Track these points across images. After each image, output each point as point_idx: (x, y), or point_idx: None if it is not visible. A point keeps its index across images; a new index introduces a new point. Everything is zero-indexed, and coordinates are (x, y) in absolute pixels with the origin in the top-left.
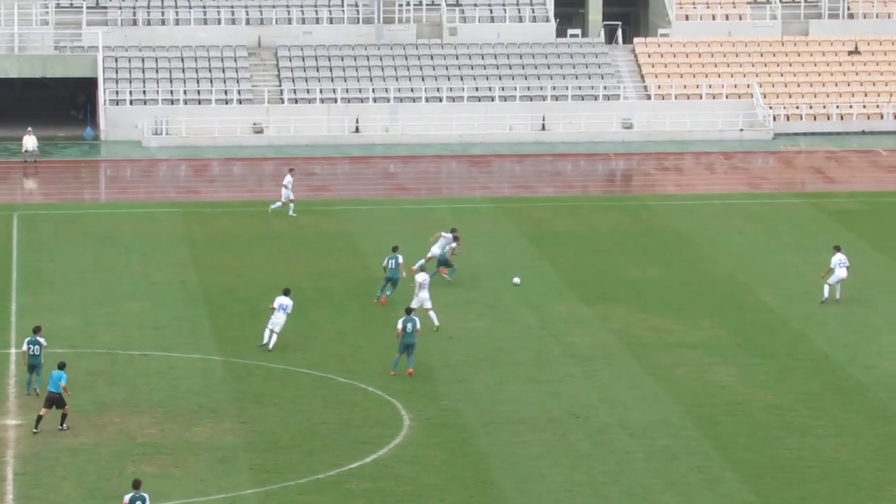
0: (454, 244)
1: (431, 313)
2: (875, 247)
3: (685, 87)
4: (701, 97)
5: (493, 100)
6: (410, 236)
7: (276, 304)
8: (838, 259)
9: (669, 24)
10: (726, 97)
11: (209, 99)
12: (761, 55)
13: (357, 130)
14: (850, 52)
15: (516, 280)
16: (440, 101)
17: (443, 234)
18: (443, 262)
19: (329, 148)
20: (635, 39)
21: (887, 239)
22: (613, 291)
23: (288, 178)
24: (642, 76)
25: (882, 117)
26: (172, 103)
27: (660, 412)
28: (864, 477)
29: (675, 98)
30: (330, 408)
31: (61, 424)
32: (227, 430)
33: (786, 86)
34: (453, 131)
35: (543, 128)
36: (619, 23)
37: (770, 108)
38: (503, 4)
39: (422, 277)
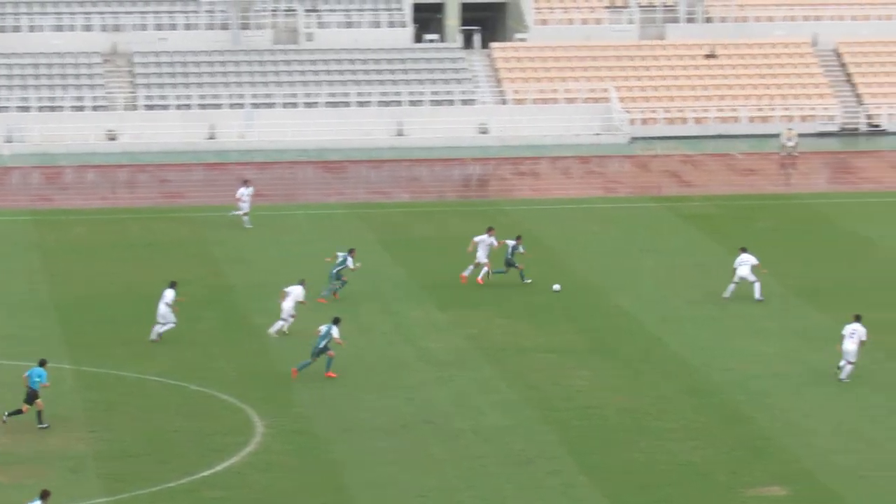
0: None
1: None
2: (730, 250)
3: (542, 91)
4: (557, 101)
5: (349, 105)
6: (266, 243)
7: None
8: (740, 259)
9: (527, 28)
10: (583, 101)
11: (63, 106)
12: (618, 59)
13: (212, 137)
14: (706, 56)
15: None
16: (296, 106)
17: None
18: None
19: (184, 154)
20: (492, 44)
21: (742, 242)
22: (469, 297)
23: (243, 190)
24: (499, 81)
25: (738, 121)
26: (26, 110)
27: (514, 417)
28: (717, 479)
29: (532, 102)
30: (182, 416)
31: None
32: (79, 439)
33: (642, 90)
34: (309, 137)
35: (400, 133)
36: (477, 28)
37: (627, 112)
38: (360, 10)
39: (290, 289)
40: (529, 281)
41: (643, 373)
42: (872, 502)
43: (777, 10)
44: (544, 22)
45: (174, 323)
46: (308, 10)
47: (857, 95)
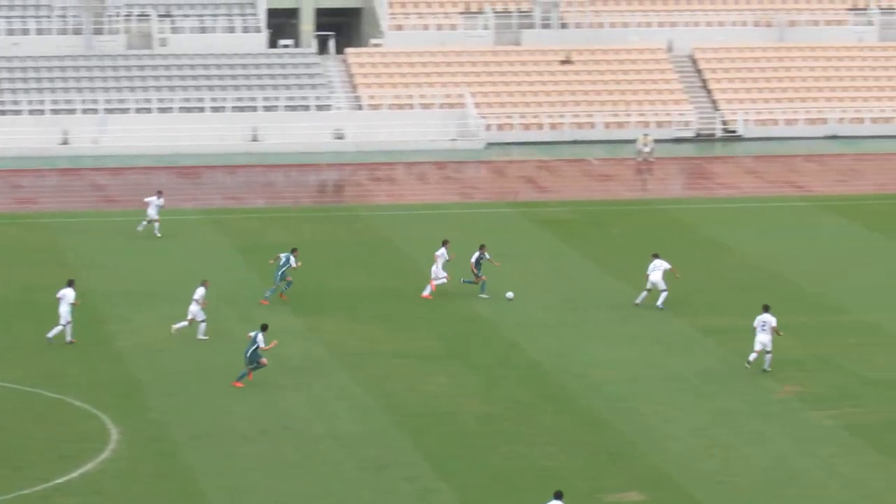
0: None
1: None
2: (586, 255)
3: (398, 97)
4: (413, 107)
5: (203, 111)
6: (120, 249)
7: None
8: (653, 265)
9: (382, 34)
10: (439, 107)
11: None
12: (474, 65)
13: (65, 142)
14: (562, 62)
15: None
16: (150, 112)
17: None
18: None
19: (36, 160)
20: (347, 50)
21: (597, 247)
22: (325, 302)
23: (153, 199)
24: (354, 86)
25: (593, 126)
26: None
27: (371, 423)
28: (575, 485)
29: (388, 108)
30: (36, 423)
31: None
32: None
33: (498, 95)
34: (164, 143)
35: (255, 139)
36: (332, 33)
37: (482, 117)
38: (214, 15)
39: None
40: (485, 296)
41: (500, 378)
42: None
43: (632, 16)
44: (399, 28)
45: (64, 325)
46: (162, 16)
47: (713, 101)
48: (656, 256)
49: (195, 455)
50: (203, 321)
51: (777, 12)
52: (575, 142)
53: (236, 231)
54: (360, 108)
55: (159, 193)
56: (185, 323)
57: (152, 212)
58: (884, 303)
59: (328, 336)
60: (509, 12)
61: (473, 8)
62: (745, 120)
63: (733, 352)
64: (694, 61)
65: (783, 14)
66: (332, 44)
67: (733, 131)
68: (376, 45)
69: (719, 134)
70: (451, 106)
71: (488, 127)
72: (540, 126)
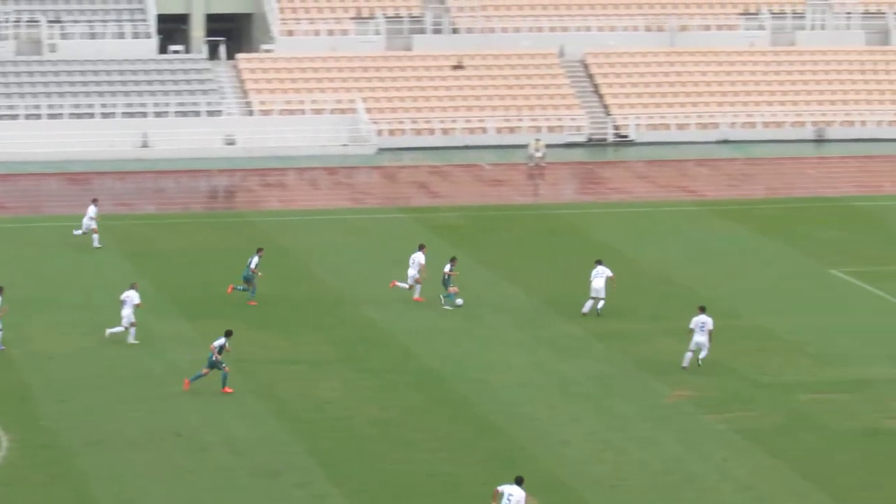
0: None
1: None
2: (479, 261)
3: (289, 102)
4: (304, 112)
5: (93, 117)
6: (9, 255)
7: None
8: (596, 272)
9: (273, 39)
10: (330, 112)
11: None
12: (365, 70)
13: None
14: (453, 67)
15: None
16: (40, 118)
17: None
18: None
19: None
20: (238, 55)
21: (490, 252)
22: (217, 308)
23: (92, 209)
24: (245, 92)
25: (485, 132)
26: None
27: (263, 429)
28: (468, 491)
29: (279, 113)
30: None
31: None
32: None
33: (389, 101)
34: (53, 149)
35: (145, 145)
36: (223, 39)
37: (374, 123)
38: (104, 21)
39: (125, 295)
40: (447, 307)
41: (394, 384)
42: None
43: (524, 21)
44: (290, 33)
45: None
46: (51, 22)
47: (605, 106)
48: (599, 262)
49: (88, 462)
50: (133, 325)
51: (668, 17)
52: (467, 147)
53: (127, 238)
54: (251, 113)
55: (94, 201)
56: (120, 328)
57: (88, 220)
58: (775, 307)
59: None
60: (400, 17)
61: (365, 13)
62: (637, 125)
63: (626, 356)
64: (585, 66)
65: (675, 19)
66: (222, 49)
67: (625, 136)
68: (267, 51)
69: (611, 139)
70: (343, 111)
71: (380, 132)
72: (432, 131)
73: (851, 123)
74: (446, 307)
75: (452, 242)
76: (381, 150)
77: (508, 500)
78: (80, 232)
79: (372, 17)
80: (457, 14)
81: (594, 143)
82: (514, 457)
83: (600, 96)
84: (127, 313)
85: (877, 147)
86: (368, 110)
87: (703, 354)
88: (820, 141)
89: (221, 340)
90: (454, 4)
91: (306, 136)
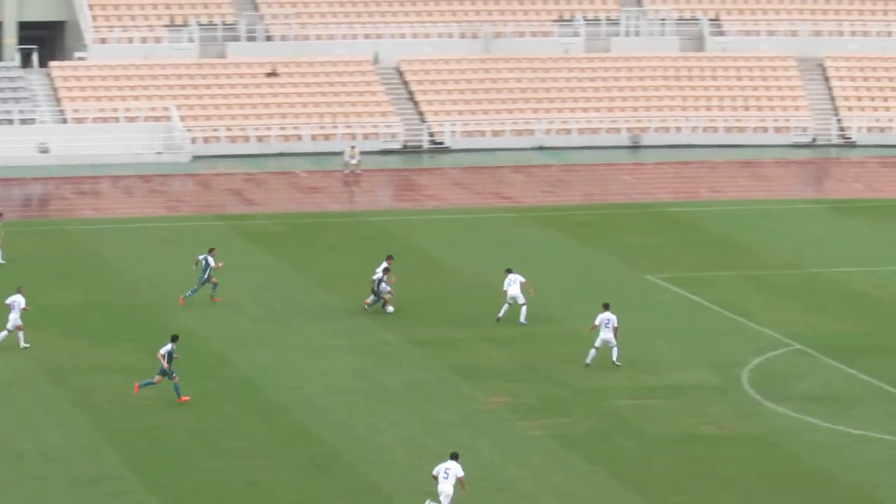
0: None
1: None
2: (294, 268)
3: (102, 110)
4: (119, 120)
5: None
6: None
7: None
8: (508, 280)
9: (86, 47)
10: (144, 120)
11: None
12: (179, 78)
13: None
14: (267, 75)
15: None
16: None
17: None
18: None
19: None
20: (51, 63)
21: (305, 260)
22: (32, 317)
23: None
24: (59, 100)
25: (300, 139)
26: None
27: (79, 437)
28: (285, 498)
29: (93, 121)
30: None
31: None
32: None
33: (204, 108)
34: None
35: None
36: (35, 47)
37: (188, 130)
38: None
39: (11, 300)
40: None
41: (210, 392)
42: None
43: (338, 28)
44: (104, 41)
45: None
46: None
47: (420, 113)
48: (510, 271)
49: None
50: (16, 329)
51: (483, 24)
52: (282, 154)
53: None
54: (64, 121)
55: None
56: (5, 332)
57: None
58: (591, 313)
59: (35, 350)
60: (214, 25)
61: (178, 21)
62: (452, 132)
63: (442, 363)
64: (400, 73)
65: (489, 26)
66: (35, 57)
67: (440, 143)
68: (80, 59)
69: (426, 146)
70: (157, 119)
71: (194, 140)
72: (246, 139)
73: (666, 130)
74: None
75: (268, 250)
76: (196, 158)
77: (446, 474)
78: None
79: (185, 25)
80: (271, 21)
81: (410, 150)
82: (331, 463)
83: (415, 103)
84: (14, 317)
85: (692, 153)
86: (183, 118)
87: (614, 355)
88: (635, 147)
89: (168, 346)
90: (268, 12)
91: (120, 144)
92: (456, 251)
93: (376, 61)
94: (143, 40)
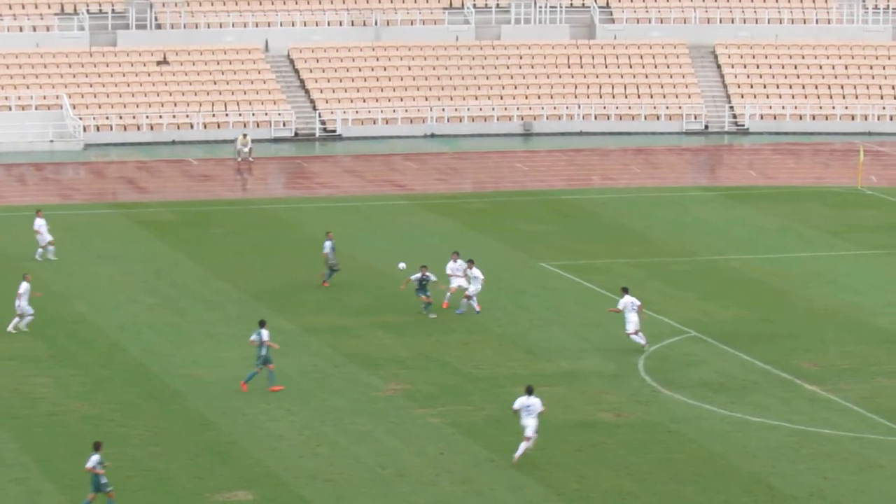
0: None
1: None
2: (189, 256)
3: None
4: (10, 108)
5: None
6: None
7: None
8: (472, 273)
9: None
10: (35, 108)
11: None
12: (70, 66)
13: None
14: (158, 63)
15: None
16: None
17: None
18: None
19: None
20: None
21: (199, 247)
22: None
23: (39, 222)
24: None
25: (192, 126)
26: None
27: None
28: (182, 485)
29: None
30: None
31: None
32: None
33: (95, 96)
34: None
35: None
36: None
37: (80, 119)
38: None
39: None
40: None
41: (105, 379)
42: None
43: (228, 16)
44: None
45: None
46: None
47: (311, 101)
48: (470, 262)
49: None
50: (31, 315)
51: (373, 12)
52: (174, 142)
53: None
54: None
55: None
56: (17, 319)
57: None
58: (486, 300)
59: None
60: (104, 13)
61: (68, 9)
62: (344, 119)
63: (338, 350)
64: (291, 61)
65: (380, 13)
66: None
67: (333, 131)
68: None
69: (318, 133)
70: (49, 107)
71: (86, 128)
72: (138, 127)
73: (559, 117)
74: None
75: (161, 238)
76: (88, 146)
77: (528, 410)
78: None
79: (76, 13)
80: (161, 9)
81: (301, 138)
82: (228, 451)
83: (306, 91)
84: (23, 304)
85: (584, 140)
86: (74, 106)
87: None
88: (527, 135)
89: (265, 334)
90: (158, 0)
91: (12, 133)
92: (349, 238)
93: (267, 49)
94: (34, 28)
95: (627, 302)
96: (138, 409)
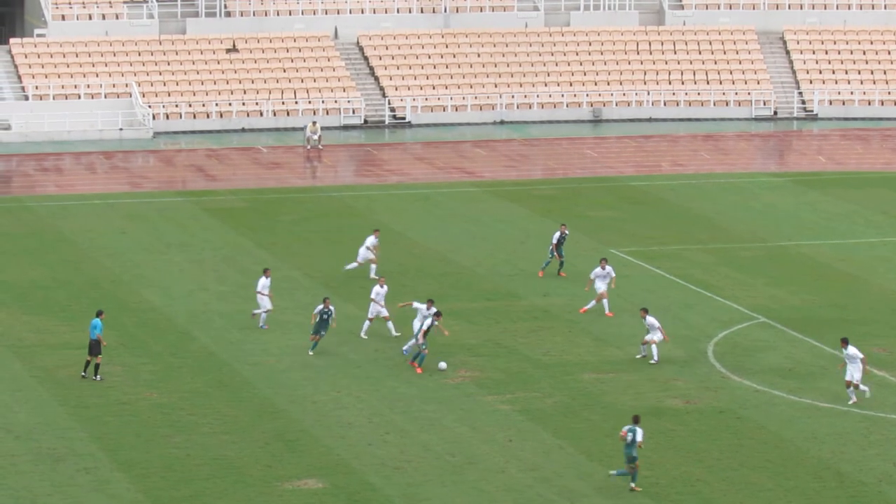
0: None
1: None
2: (258, 244)
3: (64, 87)
4: (80, 97)
5: None
6: None
7: None
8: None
9: (46, 24)
10: (105, 97)
11: None
12: (139, 54)
13: None
14: (227, 51)
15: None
16: None
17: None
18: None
19: None
20: (11, 40)
21: (268, 235)
22: None
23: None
24: (20, 77)
25: (262, 115)
26: None
27: (45, 414)
28: (252, 473)
29: (54, 98)
30: None
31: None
32: None
33: (164, 84)
34: None
35: None
36: None
37: (149, 107)
38: None
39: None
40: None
41: (174, 368)
42: (406, 491)
43: (297, 3)
44: (63, 17)
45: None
46: None
47: (381, 88)
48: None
49: None
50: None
51: None
52: (243, 130)
53: None
54: (25, 98)
55: None
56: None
57: None
58: (553, 288)
59: (0, 327)
60: (173, 1)
61: None
62: (413, 106)
63: (406, 339)
64: (360, 48)
65: (448, 0)
66: None
67: (402, 118)
68: (40, 35)
69: (388, 121)
70: (118, 96)
71: (155, 116)
72: (208, 115)
73: (628, 103)
74: None
75: (231, 226)
76: (158, 134)
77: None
78: None
79: (145, 1)
80: None
81: (371, 126)
82: (298, 439)
83: (376, 78)
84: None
85: (653, 127)
86: (143, 94)
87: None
88: (596, 121)
89: (428, 321)
90: None
91: (82, 121)
92: (419, 226)
93: (336, 36)
94: (103, 16)
95: (650, 323)
96: (208, 398)
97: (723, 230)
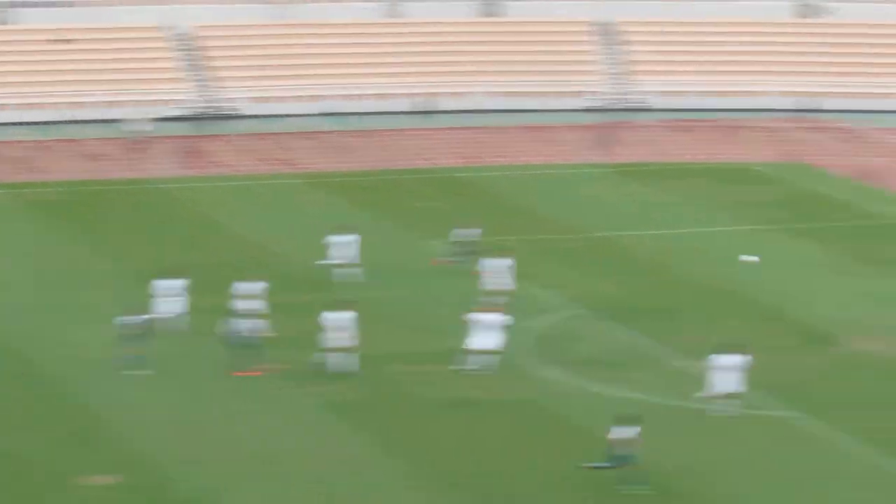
0: None
1: None
2: (78, 237)
3: None
4: None
5: None
6: None
7: None
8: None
9: None
10: None
11: None
12: None
13: None
14: (55, 41)
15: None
16: None
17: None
18: None
19: None
20: None
21: (91, 228)
22: None
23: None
24: None
25: (88, 106)
26: None
27: None
28: (45, 468)
29: None
30: None
31: None
32: None
33: None
34: None
35: None
36: None
37: None
38: None
39: None
40: None
41: None
42: (204, 486)
43: None
44: None
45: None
46: None
47: (211, 79)
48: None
49: None
50: None
51: None
52: (70, 121)
53: None
54: None
55: None
56: None
57: None
58: (371, 279)
59: None
60: None
61: None
62: (244, 98)
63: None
64: (191, 39)
65: None
66: None
67: (232, 109)
68: None
69: (216, 112)
70: None
71: None
72: (33, 106)
73: (460, 95)
74: None
75: (51, 219)
76: None
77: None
78: None
79: None
80: None
81: (199, 117)
82: (92, 434)
83: (206, 69)
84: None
85: (483, 118)
86: None
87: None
88: (427, 112)
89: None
90: None
91: None
92: (241, 218)
93: (165, 27)
94: None
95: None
96: (4, 392)
97: (544, 221)
